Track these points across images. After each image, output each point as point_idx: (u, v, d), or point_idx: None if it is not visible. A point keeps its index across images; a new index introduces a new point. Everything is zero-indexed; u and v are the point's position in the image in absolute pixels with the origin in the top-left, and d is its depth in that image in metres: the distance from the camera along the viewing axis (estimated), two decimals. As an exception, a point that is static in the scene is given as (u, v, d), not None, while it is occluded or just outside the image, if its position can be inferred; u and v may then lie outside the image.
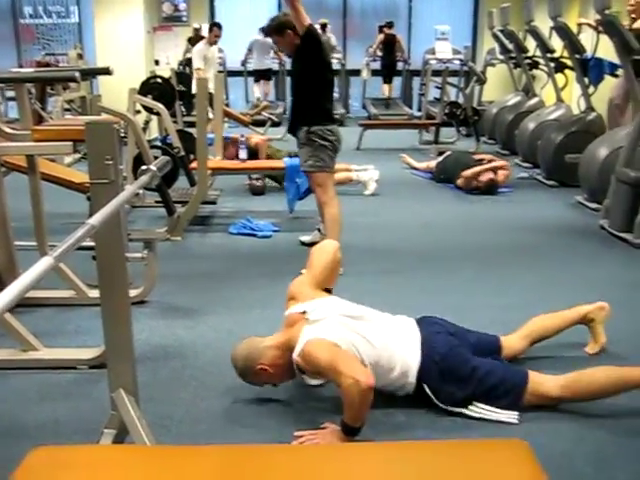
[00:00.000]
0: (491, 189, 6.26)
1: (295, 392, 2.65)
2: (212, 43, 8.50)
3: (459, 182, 6.43)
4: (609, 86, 6.85)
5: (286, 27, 4.16)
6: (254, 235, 4.91)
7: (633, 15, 6.26)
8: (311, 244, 4.53)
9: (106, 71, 3.74)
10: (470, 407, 2.43)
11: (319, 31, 4.39)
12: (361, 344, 2.42)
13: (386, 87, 12.87)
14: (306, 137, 4.03)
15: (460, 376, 2.44)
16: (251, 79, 12.54)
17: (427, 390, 2.46)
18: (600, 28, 5.65)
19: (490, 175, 6.28)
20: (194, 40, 11.51)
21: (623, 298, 3.68)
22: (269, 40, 12.16)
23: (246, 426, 2.42)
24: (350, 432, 2.24)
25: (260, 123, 9.46)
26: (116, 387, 2.09)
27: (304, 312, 2.53)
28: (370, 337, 2.45)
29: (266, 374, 2.48)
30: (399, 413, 2.48)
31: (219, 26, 8.62)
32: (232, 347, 2.57)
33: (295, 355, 2.39)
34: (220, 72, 8.47)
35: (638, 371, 2.45)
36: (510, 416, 2.41)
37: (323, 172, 4.07)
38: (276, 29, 4.22)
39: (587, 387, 2.44)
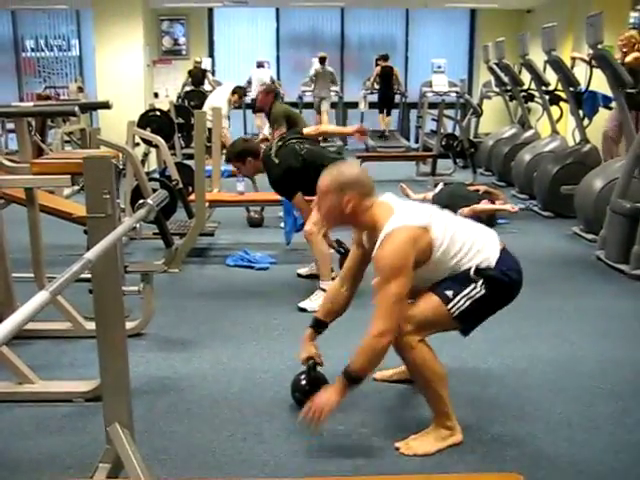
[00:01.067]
0: (490, 220, 6.27)
1: (291, 427, 2.64)
2: (234, 105, 8.57)
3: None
4: (604, 118, 6.93)
5: (246, 154, 4.18)
6: (251, 267, 4.92)
7: (624, 49, 6.36)
8: (308, 276, 4.56)
9: (105, 105, 3.77)
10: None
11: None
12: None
13: (383, 119, 13.00)
14: None
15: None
16: (249, 111, 12.67)
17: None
18: (593, 62, 5.74)
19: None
20: (194, 73, 11.67)
21: (619, 329, 3.71)
22: (267, 73, 12.39)
23: (241, 460, 2.40)
24: (353, 381, 2.27)
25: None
26: (111, 421, 2.08)
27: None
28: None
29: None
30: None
31: (241, 95, 8.67)
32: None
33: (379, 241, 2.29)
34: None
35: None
36: None
37: None
38: (237, 156, 4.23)
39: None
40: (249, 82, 12.46)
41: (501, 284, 2.40)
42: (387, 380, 2.98)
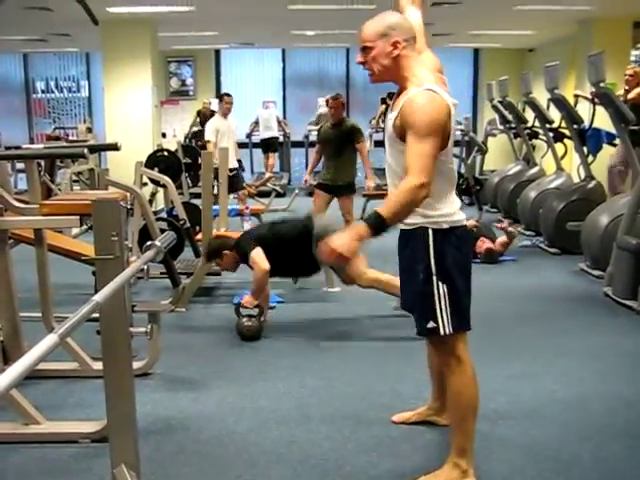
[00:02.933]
0: (491, 258, 6.27)
1: (298, 467, 2.62)
2: (225, 114, 8.38)
3: None
4: (608, 154, 6.97)
5: (222, 249, 4.40)
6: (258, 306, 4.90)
7: (626, 87, 6.42)
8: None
9: (114, 147, 3.83)
10: None
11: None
12: None
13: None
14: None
15: None
16: (256, 150, 12.79)
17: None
18: (596, 100, 5.80)
19: (488, 244, 6.30)
20: (203, 112, 11.82)
21: (628, 366, 3.69)
22: (274, 113, 12.54)
23: (249, 502, 2.39)
24: (378, 226, 2.16)
25: (265, 194, 9.61)
26: (118, 462, 2.07)
27: None
28: None
29: None
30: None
31: (228, 94, 8.57)
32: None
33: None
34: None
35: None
36: None
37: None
38: (214, 254, 4.45)
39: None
40: (256, 122, 12.60)
41: (452, 272, 2.43)
42: (406, 422, 2.94)
